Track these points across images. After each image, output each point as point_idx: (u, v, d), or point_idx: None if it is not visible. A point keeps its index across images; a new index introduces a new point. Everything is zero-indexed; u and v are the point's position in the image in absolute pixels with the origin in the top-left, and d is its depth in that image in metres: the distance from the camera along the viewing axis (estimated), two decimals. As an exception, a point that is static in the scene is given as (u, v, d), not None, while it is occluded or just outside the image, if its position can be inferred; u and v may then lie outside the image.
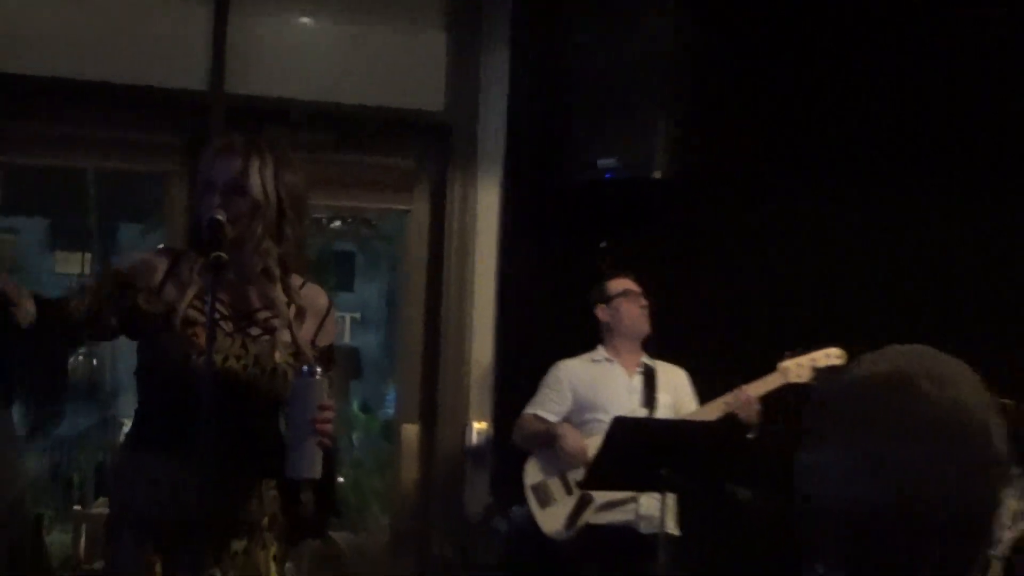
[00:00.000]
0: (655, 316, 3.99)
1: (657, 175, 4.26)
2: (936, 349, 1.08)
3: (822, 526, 1.04)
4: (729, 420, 3.81)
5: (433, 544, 4.26)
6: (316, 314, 2.54)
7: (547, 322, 4.40)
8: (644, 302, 4.05)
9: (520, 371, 4.27)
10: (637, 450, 3.49)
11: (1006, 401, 3.34)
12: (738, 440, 3.79)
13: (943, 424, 1.00)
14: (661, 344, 4.03)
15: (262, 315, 2.46)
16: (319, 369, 2.40)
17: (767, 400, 3.75)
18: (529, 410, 4.07)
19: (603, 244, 4.21)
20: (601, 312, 4.08)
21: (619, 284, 4.08)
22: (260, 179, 2.38)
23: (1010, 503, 4.03)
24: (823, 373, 3.78)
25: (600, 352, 4.10)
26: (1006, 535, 3.70)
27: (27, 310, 2.26)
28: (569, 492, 3.97)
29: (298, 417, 2.37)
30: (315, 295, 2.57)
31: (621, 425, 3.47)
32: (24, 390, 2.63)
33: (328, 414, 2.39)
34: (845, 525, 1.02)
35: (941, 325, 3.97)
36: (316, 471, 2.40)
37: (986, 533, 1.07)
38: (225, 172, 2.38)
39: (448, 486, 4.38)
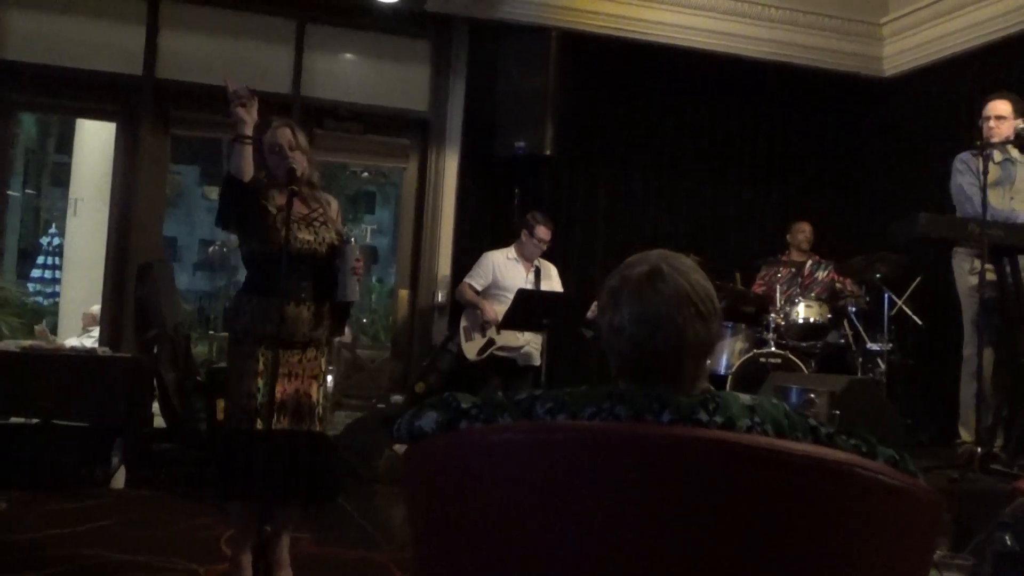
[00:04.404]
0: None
1: (547, 152, 6.44)
2: (674, 252, 1.65)
3: (613, 345, 1.62)
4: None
5: (414, 357, 6.65)
6: (334, 209, 3.50)
7: (481, 234, 6.56)
8: (545, 246, 5.84)
9: (465, 263, 6.28)
10: (532, 307, 5.17)
11: (727, 284, 6.21)
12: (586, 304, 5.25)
13: (675, 288, 1.57)
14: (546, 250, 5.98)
15: (317, 217, 3.39)
16: (353, 239, 3.34)
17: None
18: (467, 280, 5.87)
19: (516, 190, 6.58)
20: (524, 235, 5.85)
21: (541, 231, 5.84)
22: (299, 139, 3.37)
23: (737, 344, 6.72)
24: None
25: (512, 252, 5.88)
26: (736, 361, 6.30)
27: (251, 119, 3.18)
28: (483, 335, 5.73)
29: (345, 266, 3.30)
30: (331, 199, 3.53)
31: (522, 293, 5.24)
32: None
33: (359, 263, 3.33)
34: (627, 344, 1.60)
35: (701, 243, 6.56)
36: (356, 296, 3.38)
37: (706, 353, 1.64)
38: (284, 138, 3.33)
39: (423, 325, 6.71)
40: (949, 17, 6.85)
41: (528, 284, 5.74)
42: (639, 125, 7.19)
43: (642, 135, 7.20)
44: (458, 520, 1.58)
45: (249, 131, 3.20)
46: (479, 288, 5.82)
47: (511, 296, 5.41)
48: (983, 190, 4.53)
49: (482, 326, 5.73)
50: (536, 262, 5.89)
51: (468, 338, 5.78)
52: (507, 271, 5.85)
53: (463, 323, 5.84)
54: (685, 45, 7.00)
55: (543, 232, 5.86)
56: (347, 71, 6.82)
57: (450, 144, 6.81)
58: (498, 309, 5.60)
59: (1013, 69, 6.32)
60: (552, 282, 5.91)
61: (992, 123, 4.91)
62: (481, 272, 5.87)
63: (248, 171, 3.23)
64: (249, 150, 3.21)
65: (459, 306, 6.08)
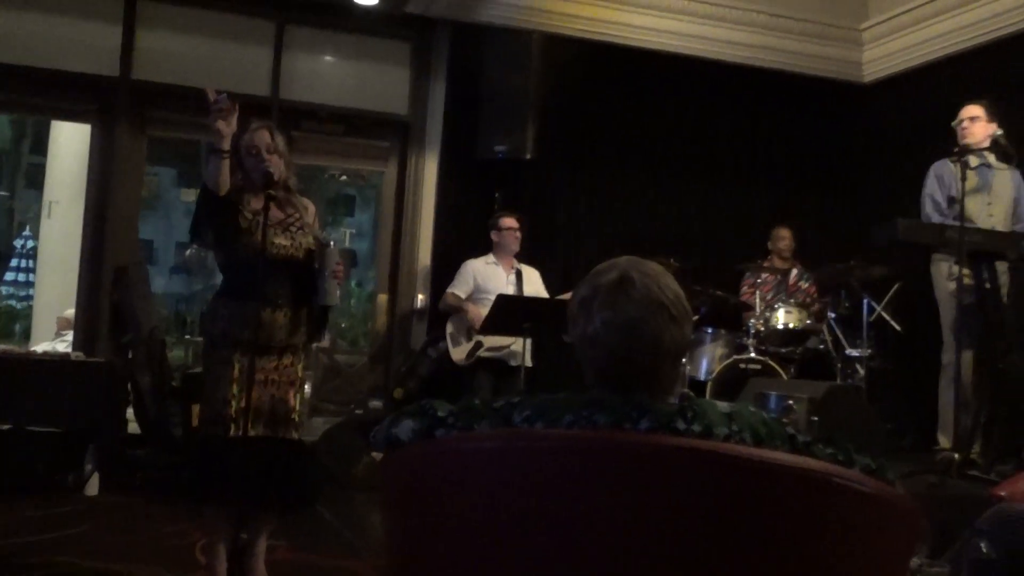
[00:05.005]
0: (523, 240, 5.90)
1: (528, 156, 6.51)
2: (641, 258, 1.67)
3: (588, 354, 1.65)
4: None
5: (393, 362, 6.65)
6: (311, 213, 3.52)
7: (460, 238, 6.52)
8: (518, 234, 5.83)
9: (445, 267, 6.26)
10: (511, 311, 5.12)
11: (708, 290, 6.21)
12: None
13: (646, 293, 1.59)
14: (527, 255, 6.00)
15: (293, 221, 3.41)
16: (333, 242, 3.41)
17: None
18: (450, 289, 5.86)
19: (496, 194, 6.56)
20: (494, 235, 5.86)
21: (506, 221, 5.86)
22: (278, 143, 3.37)
23: (717, 350, 6.75)
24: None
25: (491, 257, 5.85)
26: (716, 367, 6.24)
27: (229, 131, 3.12)
28: (469, 339, 5.71)
29: (325, 269, 3.33)
30: (308, 203, 3.54)
31: (502, 298, 5.20)
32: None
33: (339, 267, 3.37)
34: (602, 352, 1.62)
35: (683, 248, 6.61)
36: (336, 300, 3.41)
37: (681, 355, 1.67)
38: (263, 140, 3.33)
39: (402, 330, 6.70)
40: (928, 23, 6.90)
41: (510, 287, 5.73)
42: (621, 129, 7.18)
43: (624, 139, 7.19)
44: (434, 529, 1.58)
45: (227, 145, 3.14)
46: (463, 296, 5.81)
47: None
48: (961, 198, 4.58)
49: (468, 330, 5.72)
50: (516, 266, 5.85)
51: (455, 343, 5.78)
52: (488, 275, 5.85)
53: (449, 329, 5.84)
54: (666, 49, 7.02)
55: (507, 221, 5.86)
56: (326, 73, 6.81)
57: (430, 147, 6.79)
58: (483, 312, 5.52)
59: (992, 75, 6.37)
60: (535, 286, 5.91)
61: (965, 124, 5.03)
62: (463, 280, 5.87)
63: (225, 184, 3.17)
64: (227, 163, 3.16)
65: (441, 313, 6.08)
